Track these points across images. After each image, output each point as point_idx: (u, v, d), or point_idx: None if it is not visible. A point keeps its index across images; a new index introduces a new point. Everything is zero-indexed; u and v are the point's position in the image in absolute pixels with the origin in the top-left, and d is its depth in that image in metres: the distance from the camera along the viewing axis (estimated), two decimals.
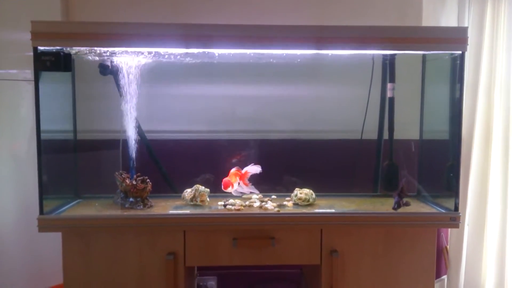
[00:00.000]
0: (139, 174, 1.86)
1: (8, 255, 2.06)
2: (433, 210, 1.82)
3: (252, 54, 1.80)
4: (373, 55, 2.01)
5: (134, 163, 1.91)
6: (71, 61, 1.74)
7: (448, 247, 2.40)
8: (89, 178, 2.03)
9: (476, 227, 2.33)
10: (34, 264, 2.10)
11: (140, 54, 1.80)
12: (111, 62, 1.86)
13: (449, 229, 2.40)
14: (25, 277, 2.09)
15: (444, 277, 2.44)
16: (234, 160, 1.92)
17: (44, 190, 1.67)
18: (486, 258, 2.35)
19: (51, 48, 1.64)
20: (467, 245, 2.35)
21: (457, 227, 1.77)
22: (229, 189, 1.78)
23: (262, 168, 1.86)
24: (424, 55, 2.00)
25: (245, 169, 1.84)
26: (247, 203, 1.87)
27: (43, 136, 1.66)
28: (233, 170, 1.82)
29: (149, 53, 1.77)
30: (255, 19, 2.15)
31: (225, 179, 1.79)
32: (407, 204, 1.81)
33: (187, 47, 1.67)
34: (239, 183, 1.80)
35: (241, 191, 1.83)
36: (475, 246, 2.34)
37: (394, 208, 1.79)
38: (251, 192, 1.85)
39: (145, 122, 2.00)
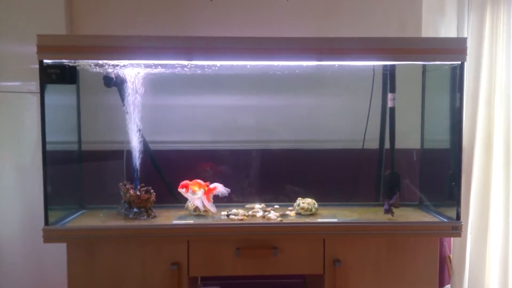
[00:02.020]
0: (143, 184, 1.87)
1: (14, 265, 2.07)
2: (435, 219, 1.83)
3: (254, 66, 1.82)
4: (374, 65, 2.03)
5: (138, 173, 1.93)
6: (76, 74, 1.77)
7: (451, 256, 2.40)
8: (94, 189, 2.05)
9: (478, 235, 2.33)
10: (39, 274, 2.11)
11: (143, 66, 1.82)
12: (115, 74, 1.89)
13: (452, 238, 2.39)
14: (30, 287, 2.10)
15: (448, 286, 2.43)
16: (208, 169, 1.90)
17: (49, 201, 1.68)
18: (489, 267, 2.34)
19: (57, 61, 1.66)
20: (470, 253, 2.35)
21: (459, 236, 1.78)
22: (182, 191, 1.76)
23: (265, 178, 1.85)
24: (424, 66, 2.02)
25: (214, 185, 1.81)
26: (250, 213, 1.88)
27: (48, 147, 1.67)
28: (199, 180, 1.80)
29: (153, 65, 1.80)
30: (256, 32, 2.18)
31: (185, 181, 1.78)
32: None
33: (190, 60, 1.69)
34: (202, 197, 1.78)
35: (199, 205, 1.79)
36: (478, 254, 2.33)
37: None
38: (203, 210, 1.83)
39: (148, 133, 2.02)
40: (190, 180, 1.80)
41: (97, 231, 1.69)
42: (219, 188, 1.82)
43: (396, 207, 1.84)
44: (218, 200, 1.97)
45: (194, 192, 1.76)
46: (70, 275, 1.71)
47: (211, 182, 1.88)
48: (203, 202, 1.79)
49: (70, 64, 1.70)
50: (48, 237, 1.66)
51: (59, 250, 1.74)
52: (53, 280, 2.08)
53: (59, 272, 1.83)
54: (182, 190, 1.77)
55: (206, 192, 1.79)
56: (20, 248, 2.08)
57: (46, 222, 1.67)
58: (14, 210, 2.07)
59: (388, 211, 1.82)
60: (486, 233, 2.31)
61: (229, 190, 1.83)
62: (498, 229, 2.32)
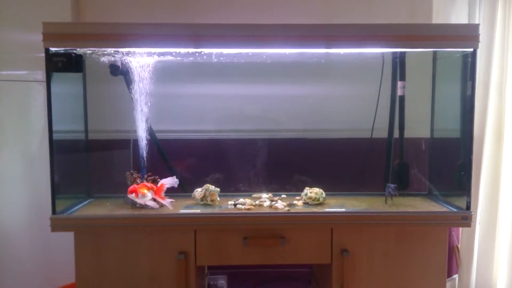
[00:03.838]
0: (149, 173, 1.87)
1: (21, 254, 2.09)
2: (445, 209, 1.81)
3: (260, 54, 1.80)
4: (383, 53, 2.00)
5: (145, 162, 1.92)
6: (82, 62, 1.76)
7: (459, 246, 2.39)
8: (101, 178, 2.05)
9: (487, 226, 2.31)
10: (46, 263, 2.12)
11: (150, 54, 1.81)
12: (122, 62, 1.87)
13: (460, 228, 2.38)
14: (38, 276, 2.12)
15: (456, 276, 2.43)
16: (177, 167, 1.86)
17: (56, 190, 1.68)
18: (497, 257, 2.33)
19: (63, 49, 1.65)
20: (479, 244, 2.33)
21: (469, 226, 1.76)
22: (131, 196, 1.73)
23: (272, 167, 1.83)
24: (434, 53, 1.99)
25: (162, 181, 1.79)
26: (257, 202, 1.87)
27: (55, 136, 1.67)
28: (147, 184, 1.78)
29: (159, 53, 1.78)
30: (263, 18, 2.15)
31: (133, 186, 1.75)
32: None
33: (196, 47, 1.67)
34: (153, 199, 1.76)
35: (152, 204, 1.76)
36: (487, 245, 2.32)
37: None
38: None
39: (155, 122, 2.01)
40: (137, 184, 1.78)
41: (104, 220, 1.69)
42: (167, 182, 1.80)
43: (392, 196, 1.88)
44: (225, 189, 1.97)
45: (144, 195, 1.73)
46: (78, 264, 1.71)
47: (215, 172, 1.86)
48: (156, 202, 1.77)
49: (76, 52, 1.69)
50: (56, 226, 1.66)
51: (67, 238, 1.75)
52: (60, 268, 2.10)
53: (67, 260, 1.84)
54: (131, 196, 1.73)
55: (157, 191, 1.77)
56: (27, 237, 2.09)
57: (54, 211, 1.67)
58: (22, 199, 2.08)
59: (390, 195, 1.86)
60: (495, 223, 2.29)
61: (177, 181, 1.81)
62: (507, 219, 2.30)
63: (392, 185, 1.87)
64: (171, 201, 1.79)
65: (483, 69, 2.21)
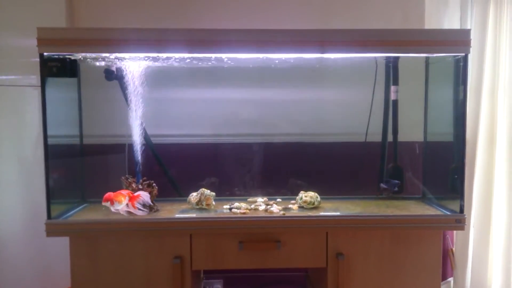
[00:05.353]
0: (145, 178, 1.87)
1: (17, 258, 2.08)
2: (438, 212, 1.82)
3: (256, 58, 1.81)
4: (376, 58, 2.01)
5: (140, 167, 1.92)
6: (77, 67, 1.76)
7: (453, 249, 2.40)
8: (96, 183, 2.05)
9: (481, 228, 2.32)
10: (42, 268, 2.11)
11: (145, 59, 1.81)
12: (116, 67, 1.88)
13: (455, 231, 2.39)
14: (33, 281, 2.11)
15: (450, 279, 2.43)
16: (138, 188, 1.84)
17: (51, 195, 1.68)
18: (492, 260, 2.34)
19: (57, 54, 1.66)
20: (473, 247, 2.34)
21: (463, 229, 1.77)
22: (107, 204, 1.71)
23: (267, 171, 1.84)
24: (427, 58, 2.00)
25: (138, 192, 1.79)
26: (252, 206, 1.88)
27: (50, 141, 1.67)
28: (123, 191, 1.77)
29: (154, 58, 1.79)
30: (258, 24, 2.16)
31: (108, 194, 1.73)
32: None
33: (191, 52, 1.68)
34: (127, 204, 1.74)
35: (126, 211, 1.75)
36: (481, 248, 2.33)
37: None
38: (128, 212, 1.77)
39: (150, 126, 2.01)
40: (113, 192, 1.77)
41: (99, 224, 1.69)
42: (143, 196, 1.78)
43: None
44: (220, 193, 1.97)
45: (120, 202, 1.72)
46: (73, 268, 1.71)
47: (211, 176, 1.89)
48: (128, 210, 1.75)
49: (71, 57, 1.69)
50: (51, 230, 1.66)
51: (62, 243, 1.74)
52: (56, 273, 2.09)
53: (62, 265, 1.84)
54: (107, 204, 1.72)
55: (131, 200, 1.75)
56: (23, 242, 2.08)
57: (49, 216, 1.67)
58: (17, 204, 2.07)
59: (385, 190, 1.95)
60: (489, 226, 2.31)
61: (148, 201, 1.79)
62: (501, 222, 2.31)
63: (395, 181, 1.94)
64: (142, 214, 1.76)
65: (475, 73, 2.23)
